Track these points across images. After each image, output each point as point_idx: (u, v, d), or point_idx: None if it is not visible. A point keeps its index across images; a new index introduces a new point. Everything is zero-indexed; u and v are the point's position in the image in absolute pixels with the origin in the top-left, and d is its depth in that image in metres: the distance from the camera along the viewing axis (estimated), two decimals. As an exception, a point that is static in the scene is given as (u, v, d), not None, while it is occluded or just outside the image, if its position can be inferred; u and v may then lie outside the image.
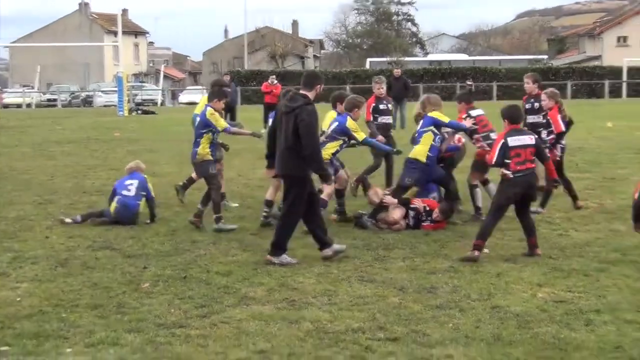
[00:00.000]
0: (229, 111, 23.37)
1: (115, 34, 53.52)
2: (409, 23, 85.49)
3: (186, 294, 6.84)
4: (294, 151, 7.85)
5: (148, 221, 10.35)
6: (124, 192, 10.11)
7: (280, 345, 5.60)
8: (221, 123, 9.85)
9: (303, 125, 7.79)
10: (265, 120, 21.96)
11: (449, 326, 5.95)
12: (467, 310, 6.29)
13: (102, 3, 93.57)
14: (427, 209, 9.53)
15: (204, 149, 9.73)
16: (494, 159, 8.10)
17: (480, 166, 9.96)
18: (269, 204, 9.86)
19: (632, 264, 7.88)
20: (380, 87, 11.83)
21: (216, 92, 10.37)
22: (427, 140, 9.54)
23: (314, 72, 9.02)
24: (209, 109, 9.81)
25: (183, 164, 16.32)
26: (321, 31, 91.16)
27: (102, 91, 57.06)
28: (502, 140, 8.09)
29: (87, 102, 56.64)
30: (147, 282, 7.33)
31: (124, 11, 67.75)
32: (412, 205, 9.58)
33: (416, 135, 9.92)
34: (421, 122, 9.91)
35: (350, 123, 9.62)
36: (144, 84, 65.26)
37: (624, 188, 12.36)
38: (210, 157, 9.87)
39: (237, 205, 11.59)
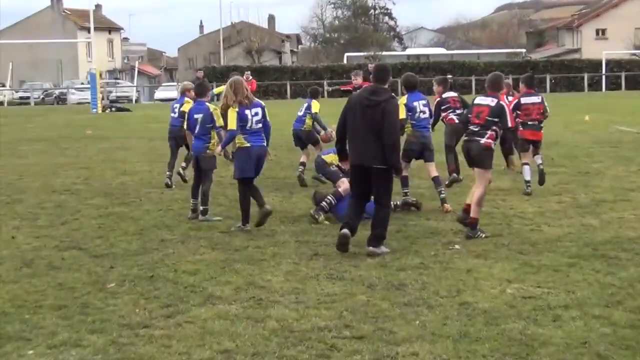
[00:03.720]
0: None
1: (88, 30, 51.11)
2: (387, 17, 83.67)
3: (152, 294, 6.79)
4: (381, 143, 7.91)
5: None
6: (171, 114, 12.85)
7: (245, 344, 5.52)
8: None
9: (390, 117, 7.95)
10: None
11: (415, 323, 5.88)
12: (435, 307, 6.23)
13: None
14: None
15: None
16: None
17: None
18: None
19: (603, 258, 7.81)
20: (355, 78, 13.62)
21: None
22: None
23: (385, 66, 9.03)
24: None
25: (154, 162, 16.37)
26: (298, 26, 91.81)
27: (76, 88, 55.72)
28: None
29: (61, 99, 54.99)
30: (113, 282, 7.28)
31: (97, 7, 67.97)
32: None
33: None
34: None
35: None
36: (118, 81, 64.06)
37: (598, 182, 12.42)
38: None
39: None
